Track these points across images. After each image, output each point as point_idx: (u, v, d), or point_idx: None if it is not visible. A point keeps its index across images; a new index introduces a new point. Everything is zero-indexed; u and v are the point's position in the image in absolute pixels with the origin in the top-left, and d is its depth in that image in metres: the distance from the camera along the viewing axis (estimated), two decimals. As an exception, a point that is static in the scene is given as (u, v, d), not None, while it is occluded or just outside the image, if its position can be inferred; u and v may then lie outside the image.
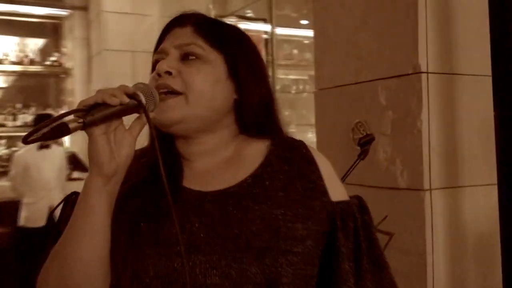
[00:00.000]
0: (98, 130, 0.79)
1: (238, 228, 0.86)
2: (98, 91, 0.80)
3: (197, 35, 0.94)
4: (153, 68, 0.95)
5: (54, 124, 0.74)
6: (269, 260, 0.83)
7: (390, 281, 0.97)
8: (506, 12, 1.55)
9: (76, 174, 4.89)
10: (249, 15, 5.08)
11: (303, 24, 5.19)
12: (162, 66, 0.91)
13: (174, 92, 0.90)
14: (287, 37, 5.04)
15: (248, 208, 0.88)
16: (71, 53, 5.85)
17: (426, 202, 1.90)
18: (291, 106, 5.36)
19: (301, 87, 5.33)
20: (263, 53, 5.10)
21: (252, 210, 0.88)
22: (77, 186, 0.92)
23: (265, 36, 5.07)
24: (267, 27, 5.11)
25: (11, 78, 5.83)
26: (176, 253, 0.83)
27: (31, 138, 0.74)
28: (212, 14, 4.38)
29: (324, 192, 0.93)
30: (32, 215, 4.39)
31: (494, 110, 1.63)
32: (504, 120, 1.62)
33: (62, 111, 0.83)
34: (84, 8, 5.72)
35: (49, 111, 5.54)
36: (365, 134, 2.00)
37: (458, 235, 1.98)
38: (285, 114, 5.56)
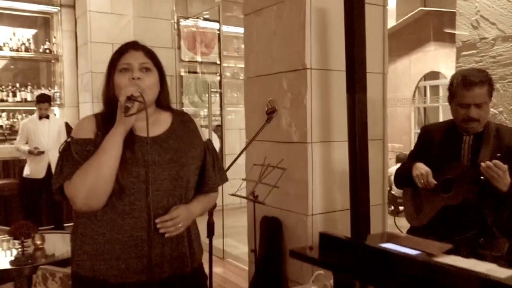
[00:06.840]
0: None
1: (171, 153, 1.45)
2: (126, 89, 1.35)
3: (147, 57, 1.47)
4: (120, 71, 1.43)
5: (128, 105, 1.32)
6: (186, 168, 1.46)
7: (225, 177, 1.64)
8: (355, 30, 2.13)
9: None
10: (206, 16, 5.52)
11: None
12: (136, 73, 1.42)
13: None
14: (236, 34, 5.35)
15: (173, 144, 1.47)
16: (60, 43, 5.90)
17: (308, 150, 2.43)
18: (239, 89, 5.81)
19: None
20: (217, 46, 5.59)
21: (175, 145, 1.47)
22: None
23: (218, 33, 5.52)
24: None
25: (10, 62, 5.84)
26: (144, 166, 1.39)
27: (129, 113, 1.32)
28: (175, 16, 4.82)
29: (200, 137, 1.57)
30: (34, 169, 4.77)
31: (347, 92, 2.10)
32: (351, 100, 2.21)
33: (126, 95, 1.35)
34: (71, 6, 5.80)
35: (42, 89, 5.73)
36: (271, 107, 2.57)
37: (328, 171, 2.47)
38: (234, 95, 5.95)
